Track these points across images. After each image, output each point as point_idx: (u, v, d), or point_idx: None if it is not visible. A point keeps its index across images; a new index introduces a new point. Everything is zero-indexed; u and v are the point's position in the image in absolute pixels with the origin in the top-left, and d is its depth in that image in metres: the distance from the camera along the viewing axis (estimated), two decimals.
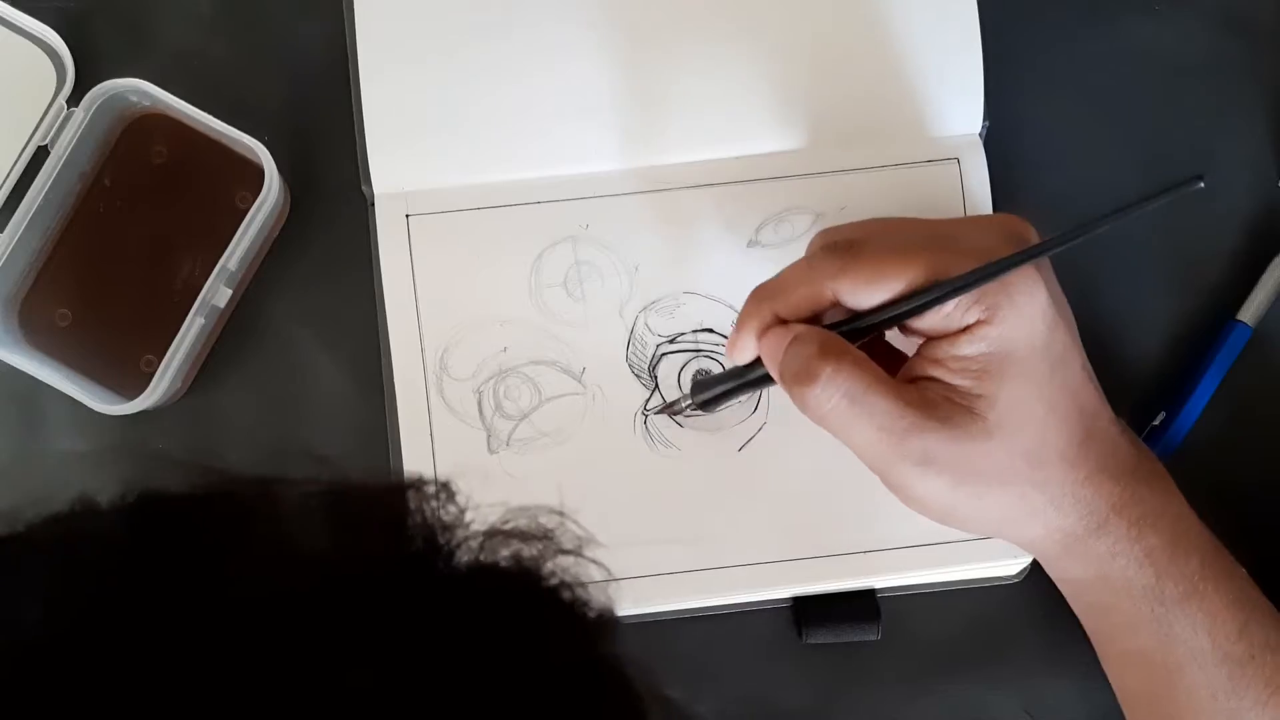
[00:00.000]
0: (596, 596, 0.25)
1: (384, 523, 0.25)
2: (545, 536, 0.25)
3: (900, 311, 0.38)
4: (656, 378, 0.47)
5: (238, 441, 0.47)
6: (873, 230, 0.41)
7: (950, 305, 0.38)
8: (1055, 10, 0.50)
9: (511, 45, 0.47)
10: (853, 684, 0.47)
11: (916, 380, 0.39)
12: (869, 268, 0.38)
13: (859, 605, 0.45)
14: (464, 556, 0.24)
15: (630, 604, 0.46)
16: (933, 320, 0.38)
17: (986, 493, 0.39)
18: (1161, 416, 0.48)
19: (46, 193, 0.45)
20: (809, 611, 0.46)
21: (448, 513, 0.25)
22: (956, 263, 0.37)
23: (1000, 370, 0.38)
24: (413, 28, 0.47)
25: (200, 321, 0.45)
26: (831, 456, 0.44)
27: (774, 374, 0.40)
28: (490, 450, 0.46)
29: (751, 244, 0.47)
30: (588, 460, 0.46)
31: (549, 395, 0.46)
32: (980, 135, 0.48)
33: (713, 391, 0.43)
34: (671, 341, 0.47)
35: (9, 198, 0.45)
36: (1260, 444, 0.48)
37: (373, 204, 0.47)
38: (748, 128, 0.47)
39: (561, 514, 0.26)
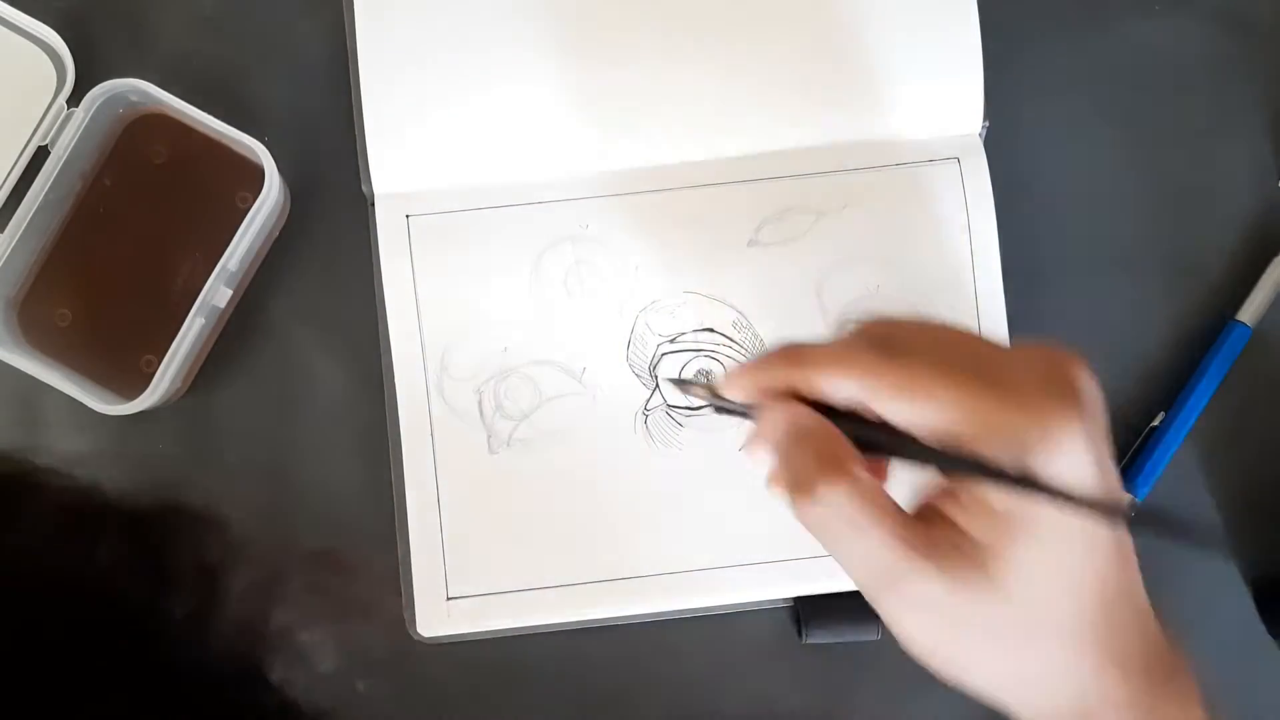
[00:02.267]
0: None
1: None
2: None
3: (919, 457, 0.35)
4: (657, 377, 0.47)
5: (238, 441, 0.47)
6: (914, 334, 0.37)
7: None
8: (1055, 10, 0.50)
9: (512, 45, 0.47)
10: (853, 684, 0.47)
11: (929, 513, 0.35)
12: (901, 377, 0.34)
13: (859, 605, 0.45)
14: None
15: (631, 604, 0.46)
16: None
17: (976, 650, 0.35)
18: (1161, 416, 0.48)
19: (46, 193, 0.45)
20: (809, 611, 0.46)
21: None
22: (994, 407, 0.33)
23: (1022, 531, 0.33)
24: (413, 28, 0.47)
25: (200, 321, 0.45)
26: None
27: (765, 455, 0.36)
28: (491, 450, 0.46)
29: (751, 243, 0.47)
30: (588, 460, 0.46)
31: (549, 395, 0.46)
32: (980, 135, 0.48)
33: (693, 399, 0.41)
34: (672, 341, 0.47)
35: (9, 198, 0.45)
36: (1260, 444, 0.48)
37: (373, 204, 0.47)
38: (747, 127, 0.47)
39: None
